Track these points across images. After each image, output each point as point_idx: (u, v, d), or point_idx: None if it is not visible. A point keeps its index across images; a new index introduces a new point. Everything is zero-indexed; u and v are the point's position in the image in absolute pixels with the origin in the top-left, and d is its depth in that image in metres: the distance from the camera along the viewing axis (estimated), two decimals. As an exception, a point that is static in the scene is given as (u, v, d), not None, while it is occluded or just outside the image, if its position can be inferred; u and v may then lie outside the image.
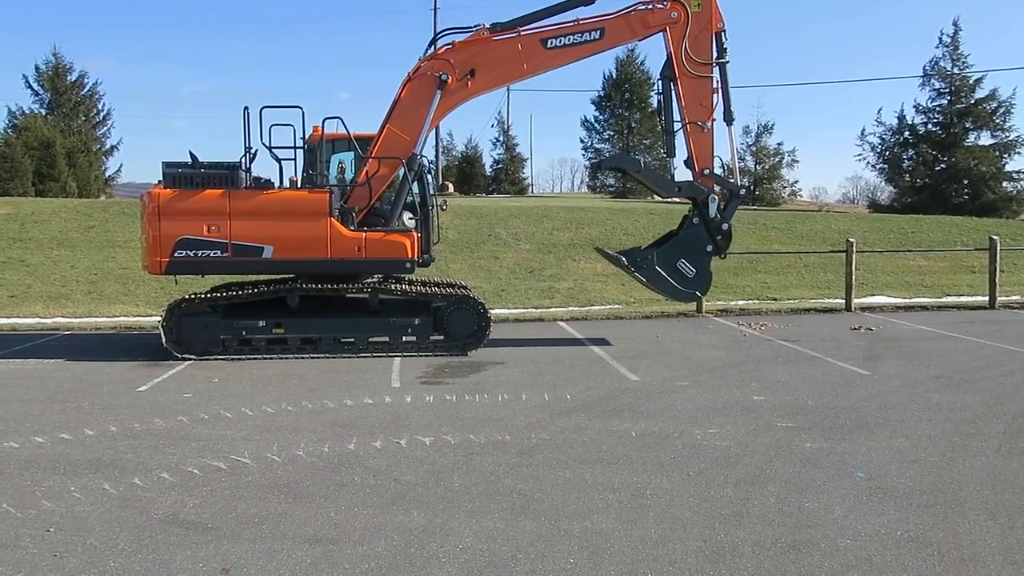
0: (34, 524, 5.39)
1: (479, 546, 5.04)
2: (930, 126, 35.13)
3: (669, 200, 13.80)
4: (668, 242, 12.80)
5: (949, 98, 34.56)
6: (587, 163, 54.43)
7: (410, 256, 11.59)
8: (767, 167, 40.83)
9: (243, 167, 11.51)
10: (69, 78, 44.96)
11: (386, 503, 5.79)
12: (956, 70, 34.21)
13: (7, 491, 6.03)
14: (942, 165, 33.93)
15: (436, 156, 52.51)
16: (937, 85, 34.74)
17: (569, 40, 12.07)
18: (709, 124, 12.23)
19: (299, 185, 11.87)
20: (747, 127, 42.20)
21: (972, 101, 34.31)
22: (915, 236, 24.41)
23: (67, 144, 38.51)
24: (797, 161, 41.66)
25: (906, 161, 35.06)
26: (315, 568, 4.73)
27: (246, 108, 11.51)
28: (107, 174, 44.94)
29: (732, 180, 12.63)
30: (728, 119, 12.34)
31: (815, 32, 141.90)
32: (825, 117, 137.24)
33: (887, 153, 35.51)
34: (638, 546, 5.03)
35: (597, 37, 12.12)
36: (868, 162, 36.06)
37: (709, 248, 12.39)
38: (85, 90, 45.61)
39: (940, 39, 34.39)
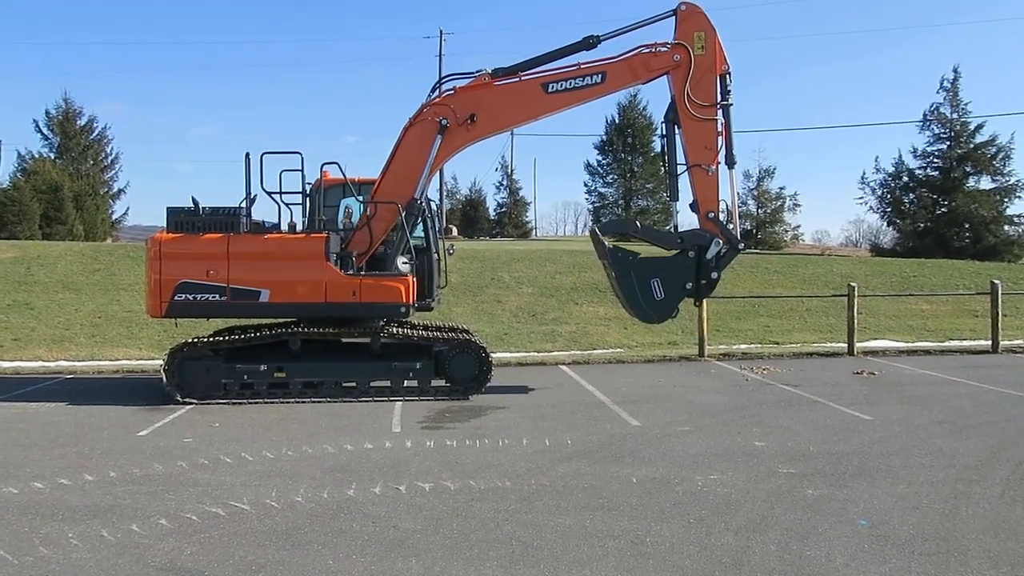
0: (30, 572, 5.37)
1: (477, 595, 5.00)
2: (929, 170, 35.39)
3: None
4: (656, 258, 12.51)
5: (949, 143, 34.86)
6: (590, 207, 54.72)
7: (405, 301, 11.51)
8: (769, 211, 41.07)
9: (243, 212, 11.63)
10: (79, 123, 45.72)
11: (384, 551, 5.76)
12: (956, 115, 34.55)
13: (4, 537, 6.01)
14: (943, 209, 34.11)
15: (440, 199, 52.93)
16: (936, 130, 35.06)
17: (570, 84, 12.04)
18: (713, 167, 12.01)
19: (297, 229, 12.02)
20: (748, 172, 42.56)
21: (972, 146, 34.57)
22: (917, 280, 24.45)
23: (75, 187, 38.95)
24: (799, 205, 41.99)
25: (906, 205, 35.25)
26: (311, 617, 4.70)
27: (247, 154, 11.68)
28: (114, 217, 45.38)
29: (733, 230, 12.23)
30: (730, 162, 12.15)
31: (814, 75, 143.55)
32: (826, 160, 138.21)
33: (888, 197, 35.71)
34: (637, 595, 5.00)
35: (599, 81, 12.05)
36: (870, 206, 36.29)
37: (688, 286, 12.05)
38: (94, 134, 46.40)
39: (941, 84, 34.83)
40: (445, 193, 57.89)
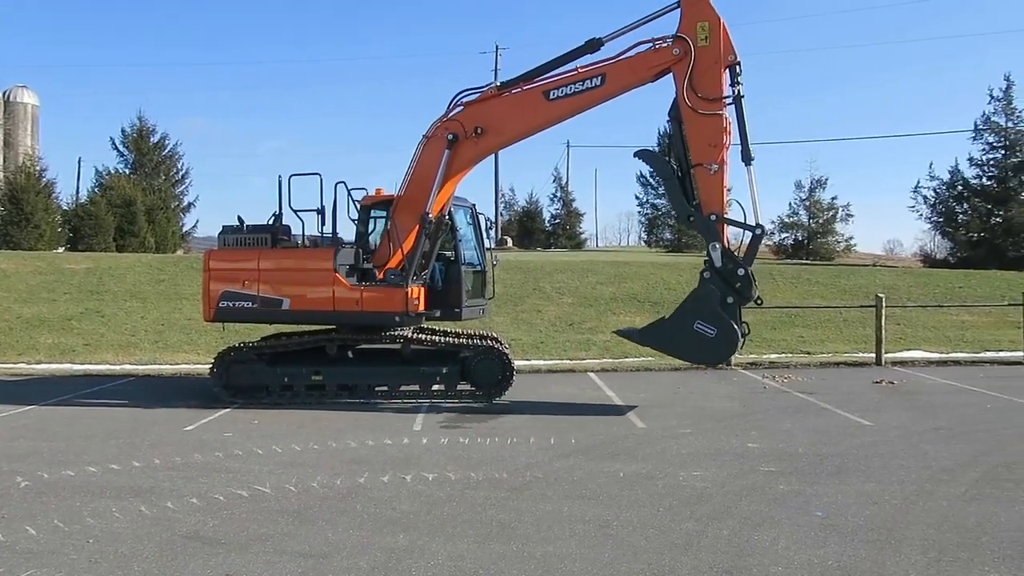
0: (78, 537, 6.33)
1: (449, 564, 5.76)
2: (984, 179, 34.93)
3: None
4: (681, 305, 11.96)
5: (1004, 152, 34.39)
6: (642, 219, 54.91)
7: (400, 310, 12.06)
8: (821, 221, 40.92)
9: (273, 228, 12.77)
10: (152, 139, 48.00)
11: (378, 527, 6.56)
12: (1011, 124, 34.05)
13: (59, 510, 7.01)
14: (998, 219, 33.64)
15: (496, 211, 53.87)
16: (991, 139, 34.59)
17: (571, 90, 11.90)
18: (716, 166, 11.39)
19: (324, 243, 12.89)
20: (800, 182, 42.42)
21: (1027, 155, 34.14)
22: (962, 291, 24.34)
23: (147, 201, 40.98)
24: (851, 215, 41.62)
25: (960, 215, 34.84)
26: (304, 577, 5.52)
27: (279, 176, 12.67)
28: (184, 229, 47.49)
29: (750, 220, 11.55)
30: (746, 158, 11.53)
31: (884, 85, 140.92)
32: (899, 169, 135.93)
33: (941, 207, 35.35)
34: (588, 568, 5.69)
35: (598, 84, 11.82)
36: (922, 215, 35.99)
37: (730, 300, 11.47)
38: (166, 151, 48.57)
39: (991, 94, 34.41)
40: (503, 204, 58.88)
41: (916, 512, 6.97)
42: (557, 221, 56.31)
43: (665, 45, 11.67)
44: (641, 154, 12.39)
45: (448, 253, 13.42)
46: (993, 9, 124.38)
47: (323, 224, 12.67)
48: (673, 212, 11.87)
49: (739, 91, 11.54)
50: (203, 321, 13.91)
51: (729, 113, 11.71)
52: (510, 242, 51.98)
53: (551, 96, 12.04)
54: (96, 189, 42.01)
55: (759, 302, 12.08)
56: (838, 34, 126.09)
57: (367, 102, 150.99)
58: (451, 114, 12.50)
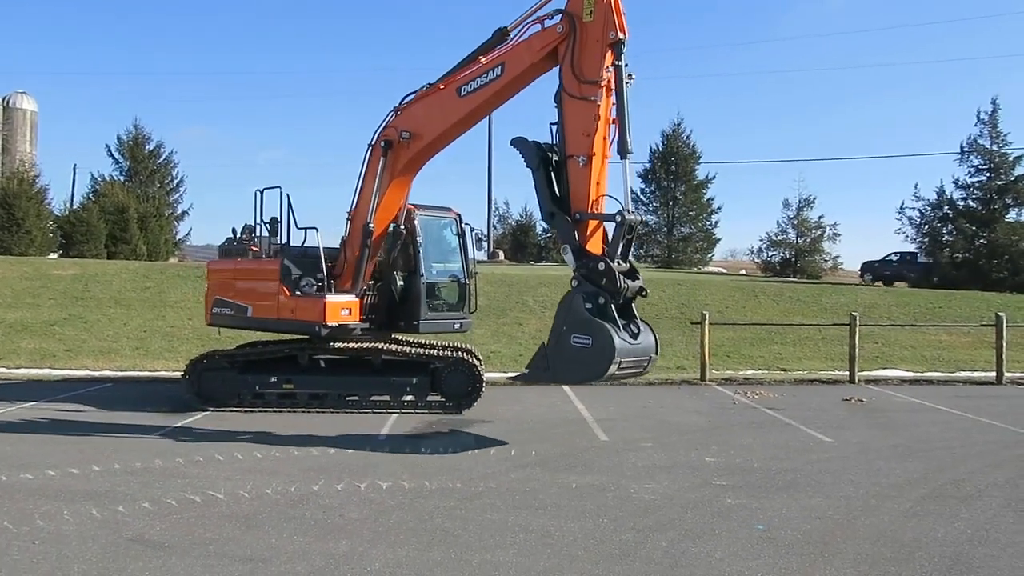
0: (25, 538, 6.42)
1: (385, 570, 5.86)
2: (970, 202, 35.29)
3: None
4: (554, 323, 10.22)
5: (989, 175, 34.76)
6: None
7: (319, 320, 11.99)
8: (808, 240, 41.27)
9: (250, 239, 13.11)
10: (147, 148, 48.24)
11: (323, 533, 6.67)
12: (996, 147, 34.44)
13: (11, 512, 7.11)
14: (982, 240, 33.95)
15: (488, 225, 54.05)
16: (976, 161, 35.00)
17: (478, 84, 11.29)
18: (584, 158, 10.16)
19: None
20: (787, 201, 42.86)
21: (1012, 178, 34.46)
22: (941, 311, 24.51)
23: (140, 209, 41.10)
24: (838, 234, 42.15)
25: (945, 236, 35.15)
26: (240, 580, 5.63)
27: (255, 191, 12.83)
28: (177, 237, 47.62)
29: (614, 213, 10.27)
30: (623, 151, 10.10)
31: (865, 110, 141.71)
32: (895, 190, 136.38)
33: (926, 227, 35.70)
34: (522, 575, 5.79)
35: (499, 74, 11.13)
36: (907, 236, 36.36)
37: (602, 300, 9.88)
38: (161, 159, 48.83)
39: (978, 117, 34.83)
40: (497, 218, 59.14)
41: (856, 527, 7.09)
42: (549, 235, 56.43)
43: (552, 23, 10.71)
44: (515, 142, 11.03)
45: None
46: (983, 34, 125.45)
47: (278, 234, 12.83)
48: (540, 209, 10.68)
49: (623, 73, 10.11)
50: (204, 325, 14.76)
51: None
52: (503, 256, 52.12)
53: (462, 92, 11.46)
54: (90, 196, 42.20)
55: (644, 293, 10.42)
56: (834, 55, 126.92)
57: (366, 113, 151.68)
58: (388, 121, 12.28)
